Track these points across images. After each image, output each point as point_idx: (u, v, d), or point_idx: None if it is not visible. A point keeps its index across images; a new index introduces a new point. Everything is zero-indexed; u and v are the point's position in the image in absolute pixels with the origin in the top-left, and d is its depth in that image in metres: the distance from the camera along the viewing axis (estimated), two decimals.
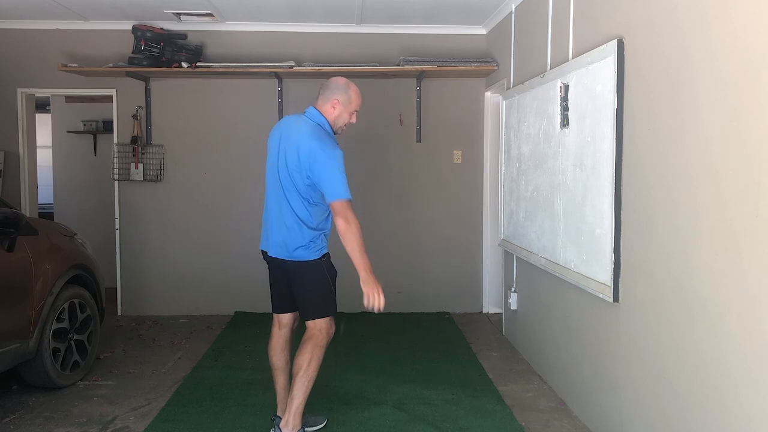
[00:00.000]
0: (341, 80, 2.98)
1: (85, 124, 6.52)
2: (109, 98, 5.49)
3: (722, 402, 2.12)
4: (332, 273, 2.97)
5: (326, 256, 2.95)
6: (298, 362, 2.88)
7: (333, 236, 2.92)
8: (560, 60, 3.55)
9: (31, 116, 5.51)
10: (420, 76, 5.31)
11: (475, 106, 5.52)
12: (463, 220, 5.58)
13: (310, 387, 2.90)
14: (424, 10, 4.86)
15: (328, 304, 2.94)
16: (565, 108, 3.36)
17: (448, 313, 5.53)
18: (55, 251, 3.68)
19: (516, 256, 4.48)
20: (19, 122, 5.38)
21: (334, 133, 2.96)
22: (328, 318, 2.95)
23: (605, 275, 2.91)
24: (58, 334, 3.63)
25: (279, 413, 3.09)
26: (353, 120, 3.00)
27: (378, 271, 2.86)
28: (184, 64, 5.00)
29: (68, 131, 6.58)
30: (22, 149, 5.39)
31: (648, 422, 2.62)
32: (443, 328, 5.09)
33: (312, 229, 2.87)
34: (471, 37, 5.44)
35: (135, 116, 5.36)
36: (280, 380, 3.09)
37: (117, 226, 5.46)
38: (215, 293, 5.50)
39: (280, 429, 2.92)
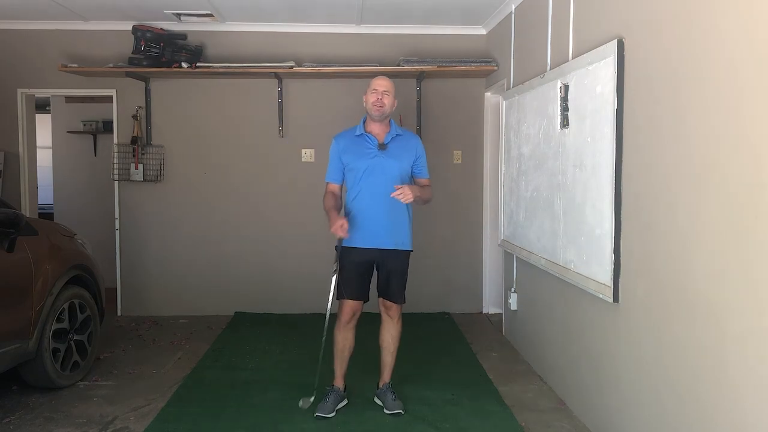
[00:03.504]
0: None
1: (85, 125, 6.52)
2: (109, 98, 5.49)
3: (723, 402, 2.12)
4: (343, 260, 3.32)
5: (339, 245, 3.34)
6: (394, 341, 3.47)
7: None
8: (560, 60, 3.55)
9: (31, 116, 5.51)
10: (420, 76, 5.31)
11: (475, 107, 5.52)
12: (463, 220, 5.58)
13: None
14: (424, 10, 4.86)
15: (338, 288, 3.36)
16: (565, 108, 3.36)
17: (448, 313, 5.52)
18: (55, 251, 3.68)
19: (516, 257, 4.48)
20: (19, 122, 5.37)
21: (372, 116, 3.34)
22: (340, 300, 3.36)
23: (605, 275, 2.91)
24: (58, 335, 3.63)
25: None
26: (373, 98, 3.31)
27: None
28: (184, 65, 5.00)
29: (68, 131, 6.58)
30: (22, 149, 5.39)
31: (648, 422, 2.62)
32: (443, 328, 5.09)
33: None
34: (471, 37, 5.44)
35: (135, 116, 5.36)
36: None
37: (117, 226, 5.46)
38: (215, 293, 5.49)
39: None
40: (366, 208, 3.29)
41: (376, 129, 3.36)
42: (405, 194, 3.14)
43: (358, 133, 3.37)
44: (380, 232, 3.28)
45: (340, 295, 3.34)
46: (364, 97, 3.38)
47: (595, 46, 3.03)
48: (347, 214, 3.34)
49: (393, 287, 3.36)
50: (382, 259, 3.33)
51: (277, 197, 5.50)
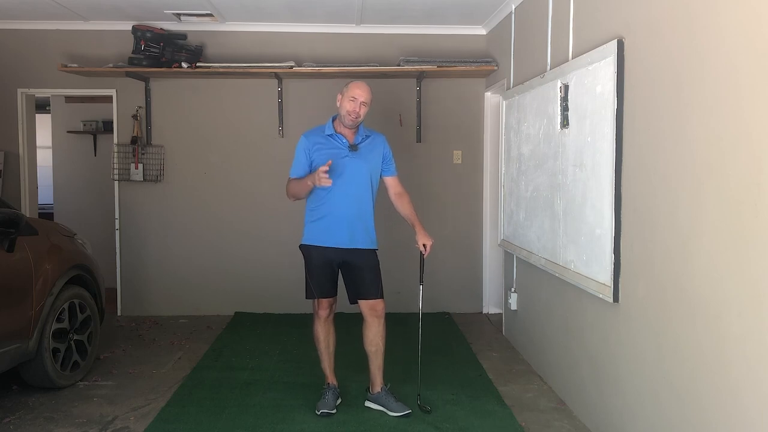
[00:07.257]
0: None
1: (85, 125, 6.52)
2: (109, 98, 5.49)
3: (723, 402, 2.12)
4: (308, 261, 3.37)
5: (304, 245, 3.39)
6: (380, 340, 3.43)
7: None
8: (560, 60, 3.55)
9: (31, 116, 5.51)
10: (420, 76, 5.31)
11: (475, 106, 5.52)
12: (463, 220, 5.58)
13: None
14: (424, 10, 4.86)
15: (306, 287, 3.41)
16: (565, 108, 3.36)
17: (448, 313, 5.53)
18: (55, 251, 3.68)
19: (516, 257, 4.48)
20: (19, 122, 5.38)
21: (344, 123, 3.31)
22: (312, 300, 3.41)
23: (605, 275, 2.91)
24: (58, 335, 3.63)
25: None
26: (350, 107, 3.25)
27: None
28: (184, 65, 5.00)
29: (68, 131, 6.58)
30: (22, 149, 5.39)
31: (649, 422, 2.62)
32: (443, 328, 5.09)
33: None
34: (471, 37, 5.44)
35: (135, 116, 5.36)
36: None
37: (117, 226, 5.46)
38: (215, 293, 5.49)
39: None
40: (337, 209, 3.28)
41: (346, 131, 3.35)
42: (428, 247, 3.39)
43: (328, 132, 3.33)
44: (354, 231, 3.30)
45: (312, 295, 3.37)
46: (338, 95, 3.31)
47: (595, 46, 3.03)
48: (312, 213, 3.36)
49: (373, 283, 3.34)
50: (352, 259, 3.32)
51: (277, 197, 5.45)
